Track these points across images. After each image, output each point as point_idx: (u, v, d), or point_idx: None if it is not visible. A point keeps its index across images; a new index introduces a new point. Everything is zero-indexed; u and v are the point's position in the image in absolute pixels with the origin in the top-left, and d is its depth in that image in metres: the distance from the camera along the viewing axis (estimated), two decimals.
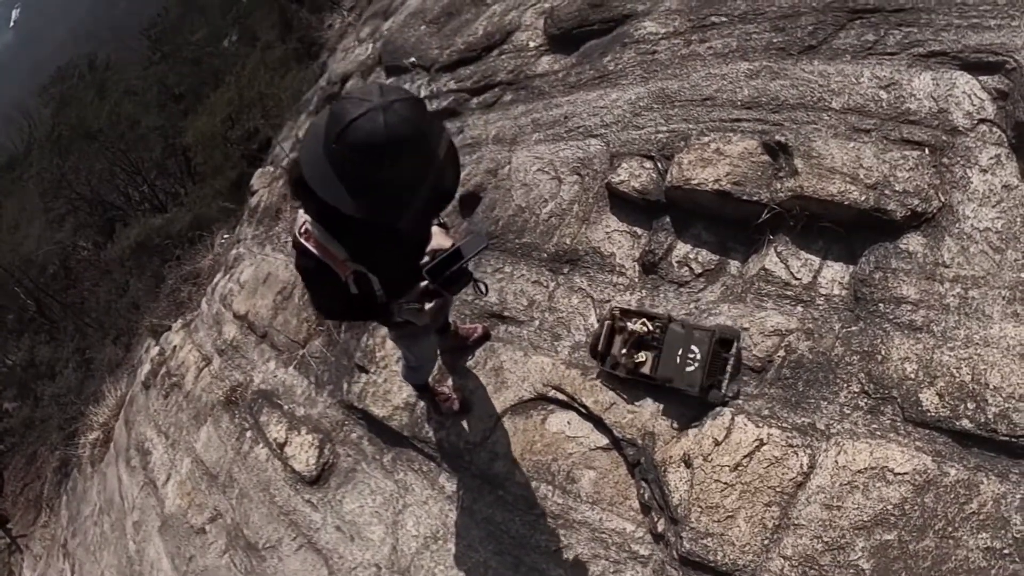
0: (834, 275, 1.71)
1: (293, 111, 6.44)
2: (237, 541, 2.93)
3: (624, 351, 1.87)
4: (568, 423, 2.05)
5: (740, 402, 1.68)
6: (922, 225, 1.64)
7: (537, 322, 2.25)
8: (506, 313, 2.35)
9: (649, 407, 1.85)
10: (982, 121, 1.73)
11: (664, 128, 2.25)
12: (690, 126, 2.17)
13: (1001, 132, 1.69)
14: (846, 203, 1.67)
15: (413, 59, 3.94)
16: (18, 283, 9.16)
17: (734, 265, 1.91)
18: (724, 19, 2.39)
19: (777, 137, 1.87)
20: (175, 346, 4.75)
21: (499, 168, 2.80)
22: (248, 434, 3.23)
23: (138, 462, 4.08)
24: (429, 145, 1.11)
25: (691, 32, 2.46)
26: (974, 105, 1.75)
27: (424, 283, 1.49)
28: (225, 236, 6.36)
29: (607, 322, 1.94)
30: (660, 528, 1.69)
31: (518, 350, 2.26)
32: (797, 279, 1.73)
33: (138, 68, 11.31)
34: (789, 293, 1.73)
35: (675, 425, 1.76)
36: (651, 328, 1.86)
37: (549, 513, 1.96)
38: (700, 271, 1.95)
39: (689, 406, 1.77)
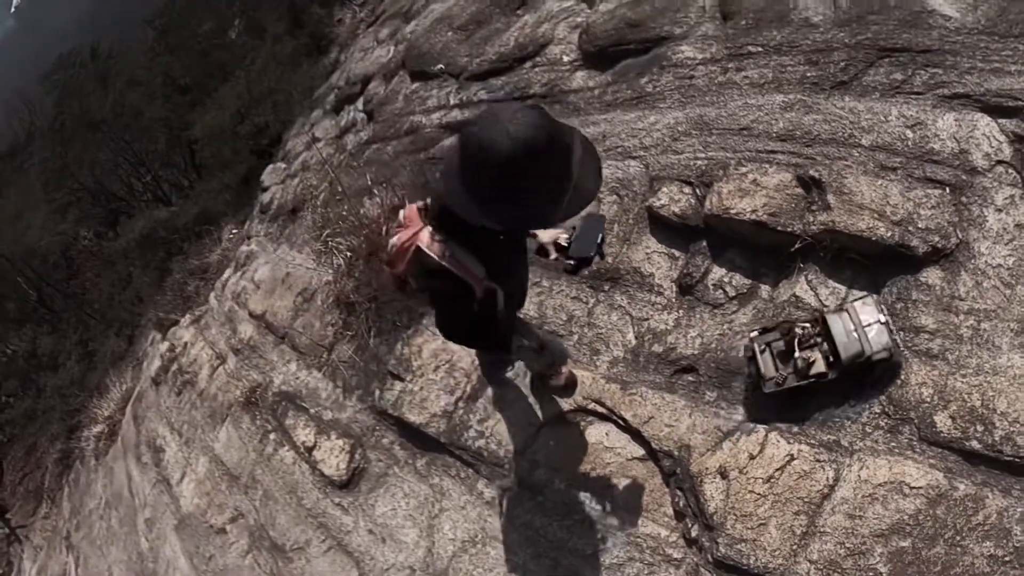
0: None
1: (304, 107, 6.70)
2: (261, 542, 3.19)
3: (782, 363, 1.96)
4: (607, 434, 2.32)
5: (769, 418, 1.96)
6: (941, 260, 1.93)
7: (576, 336, 2.53)
8: (546, 326, 2.63)
9: (685, 422, 2.13)
10: (1000, 163, 2.03)
11: (702, 155, 2.53)
12: (727, 155, 2.45)
13: (1016, 173, 1.99)
14: (874, 238, 1.95)
15: (441, 66, 4.21)
16: (20, 272, 9.42)
17: (765, 290, 2.20)
18: (760, 49, 2.68)
19: (811, 172, 2.16)
20: (186, 342, 5.01)
21: None
22: (272, 436, 3.49)
23: (150, 459, 4.34)
24: (562, 145, 1.24)
25: (728, 60, 2.75)
26: (992, 147, 2.05)
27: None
28: (234, 231, 6.62)
29: (750, 349, 2.02)
30: (693, 534, 1.97)
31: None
32: (825, 305, 2.01)
33: (141, 58, 11.60)
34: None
35: (713, 437, 2.04)
36: (804, 331, 1.94)
37: (587, 518, 2.24)
38: (734, 294, 2.23)
39: (724, 419, 2.05)
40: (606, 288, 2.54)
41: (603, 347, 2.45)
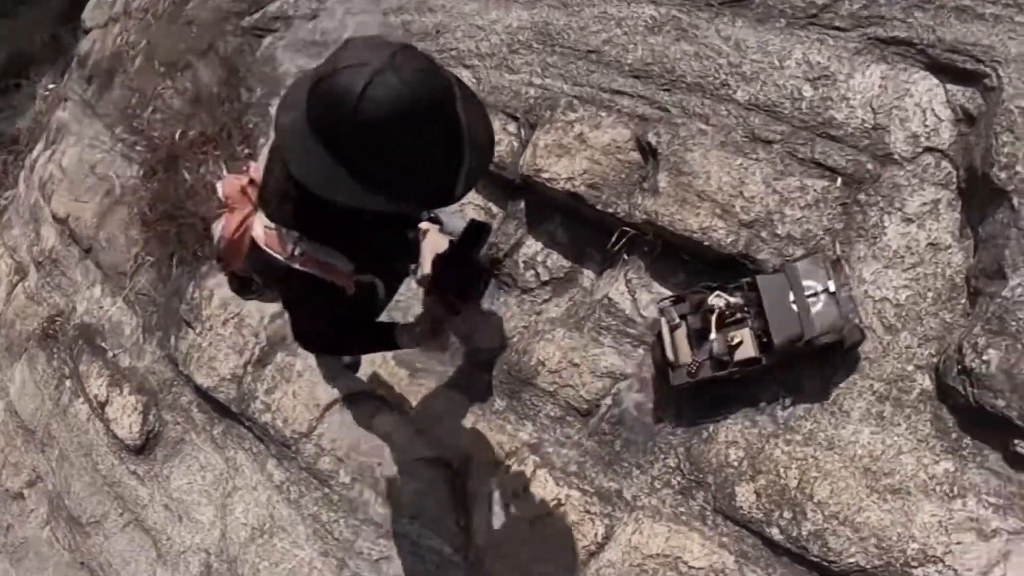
0: None
1: None
2: (59, 512, 2.94)
3: (696, 347, 1.54)
4: (395, 427, 2.05)
5: (550, 449, 1.70)
6: None
7: None
8: None
9: (469, 430, 1.86)
10: (929, 150, 1.56)
11: (538, 81, 1.99)
12: (564, 86, 1.93)
13: (952, 169, 1.54)
14: (707, 243, 1.56)
15: None
16: None
17: (587, 277, 1.82)
18: None
19: (650, 136, 1.68)
20: None
21: None
22: (68, 383, 3.10)
23: None
24: (453, 99, 0.95)
25: None
26: (927, 126, 1.57)
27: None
28: (50, 86, 5.55)
29: (662, 322, 1.57)
30: (470, 559, 1.79)
31: None
32: (642, 317, 1.67)
33: None
34: (631, 332, 1.68)
35: (492, 456, 1.79)
36: (731, 301, 1.51)
37: (372, 520, 2.04)
38: (547, 278, 1.85)
39: (509, 436, 1.79)
40: None
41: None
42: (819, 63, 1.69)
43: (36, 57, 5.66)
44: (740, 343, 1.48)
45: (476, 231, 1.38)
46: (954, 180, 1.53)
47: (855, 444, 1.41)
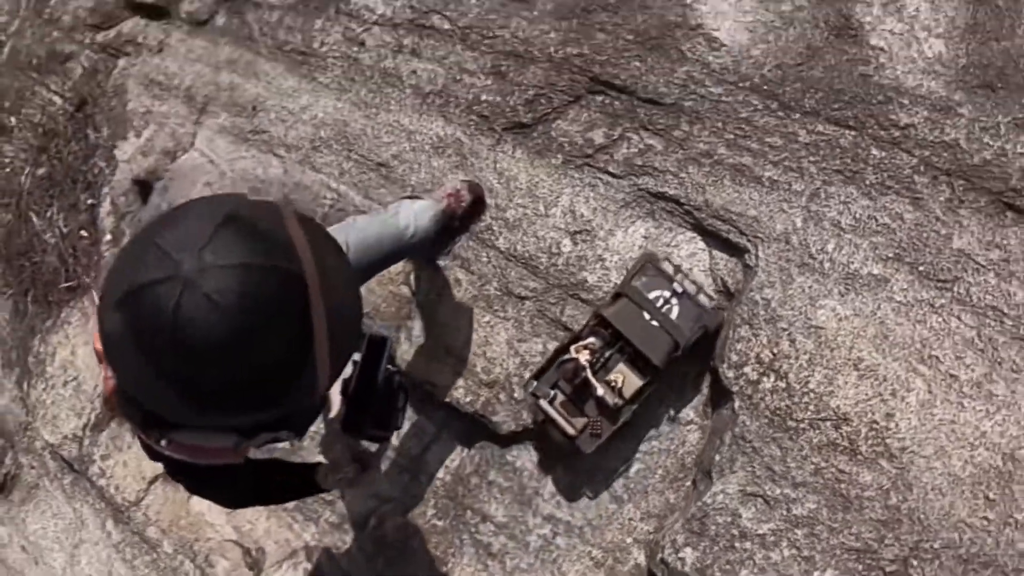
0: (444, 455, 1.79)
1: None
2: None
3: (583, 407, 1.52)
4: (208, 507, 2.21)
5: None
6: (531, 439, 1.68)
7: None
8: None
9: (262, 523, 2.01)
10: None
11: (334, 185, 2.02)
12: (356, 197, 1.98)
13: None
14: (446, 399, 1.67)
15: None
16: None
17: None
18: (447, 26, 1.99)
19: (412, 278, 1.75)
20: None
21: (178, 151, 2.46)
22: None
23: None
24: (290, 283, 0.81)
25: (407, 30, 2.06)
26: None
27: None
28: None
29: (535, 407, 1.56)
30: None
31: None
32: (406, 448, 1.80)
33: None
34: (401, 461, 1.81)
35: (280, 553, 1.96)
36: (590, 349, 1.49)
37: None
38: None
39: (295, 535, 1.94)
40: None
41: None
42: (583, 215, 1.72)
43: None
44: (624, 380, 1.49)
45: (376, 346, 1.25)
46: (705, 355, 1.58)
47: None
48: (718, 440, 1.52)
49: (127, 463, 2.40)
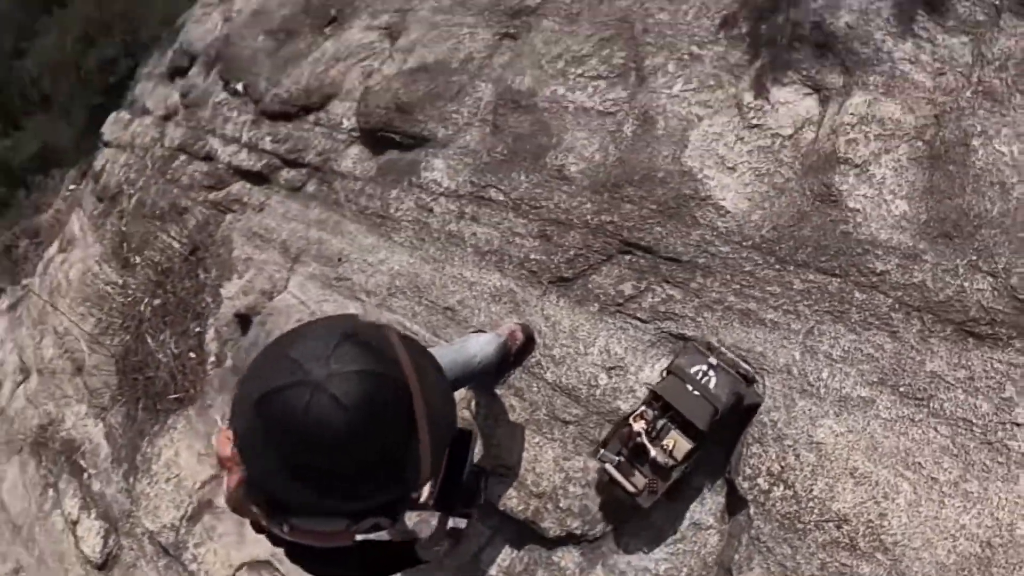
0: (496, 555, 2.12)
1: (165, 40, 6.03)
2: None
3: (642, 467, 1.78)
4: None
5: None
6: (580, 543, 1.99)
7: None
8: None
9: None
10: None
11: (408, 324, 2.49)
12: (426, 334, 2.42)
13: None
14: (500, 507, 2.03)
15: (243, 83, 3.84)
16: None
17: None
18: (501, 197, 2.51)
19: (472, 404, 2.17)
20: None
21: (274, 292, 3.01)
22: (50, 493, 3.69)
23: None
24: (400, 390, 0.98)
25: (468, 200, 2.59)
26: None
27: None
28: (71, 187, 6.29)
29: (604, 472, 1.81)
30: None
31: None
32: (464, 549, 2.14)
33: None
34: (459, 561, 2.15)
35: None
36: (645, 419, 1.78)
37: None
38: None
39: None
40: None
41: None
42: (616, 353, 2.10)
43: (65, 152, 6.42)
44: (675, 444, 1.77)
45: (463, 437, 1.44)
46: (721, 467, 1.88)
47: None
48: (736, 542, 1.80)
49: (217, 551, 2.78)
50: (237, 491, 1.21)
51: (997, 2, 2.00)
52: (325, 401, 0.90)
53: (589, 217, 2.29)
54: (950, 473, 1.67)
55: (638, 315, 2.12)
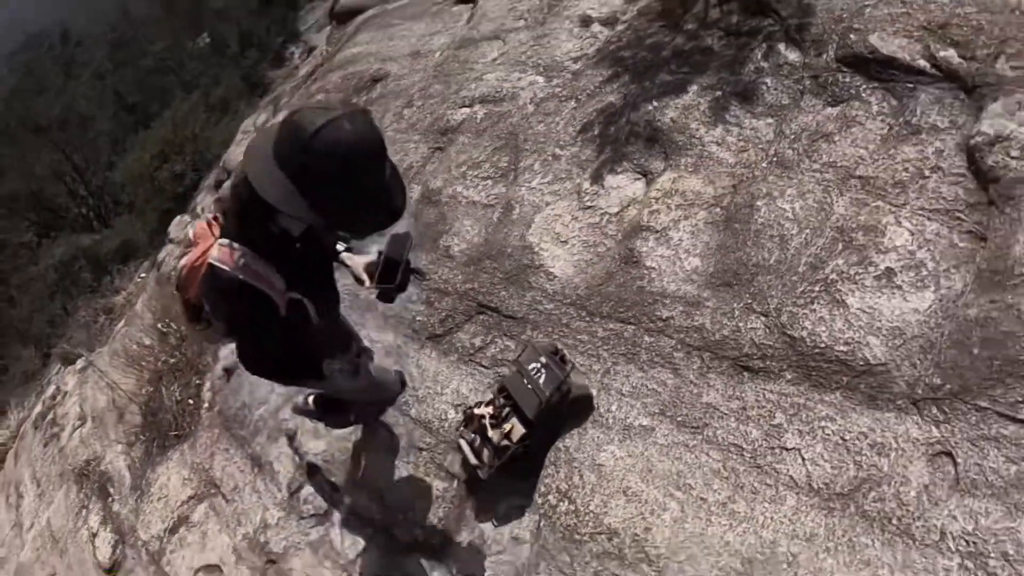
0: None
1: (222, 160, 7.48)
2: None
3: (482, 447, 2.13)
4: None
5: None
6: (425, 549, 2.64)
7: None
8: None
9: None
10: None
11: None
12: None
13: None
14: (364, 514, 2.67)
15: None
16: None
17: None
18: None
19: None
20: (66, 392, 6.12)
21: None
22: (83, 513, 4.56)
23: (14, 501, 5.53)
24: (385, 155, 1.30)
25: None
26: None
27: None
28: (142, 275, 7.63)
29: (461, 443, 2.20)
30: None
31: (219, 522, 3.42)
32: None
33: (107, 48, 12.52)
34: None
35: None
36: (492, 407, 2.15)
37: None
38: None
39: None
40: None
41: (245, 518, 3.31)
42: (463, 393, 2.71)
43: (141, 245, 7.87)
44: (512, 427, 2.12)
45: (400, 239, 1.74)
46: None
47: None
48: (531, 549, 2.15)
49: (184, 556, 3.48)
50: (197, 259, 1.57)
51: (800, 87, 2.38)
52: (342, 124, 1.20)
53: (459, 285, 2.99)
54: (719, 494, 1.75)
55: (482, 362, 2.72)
